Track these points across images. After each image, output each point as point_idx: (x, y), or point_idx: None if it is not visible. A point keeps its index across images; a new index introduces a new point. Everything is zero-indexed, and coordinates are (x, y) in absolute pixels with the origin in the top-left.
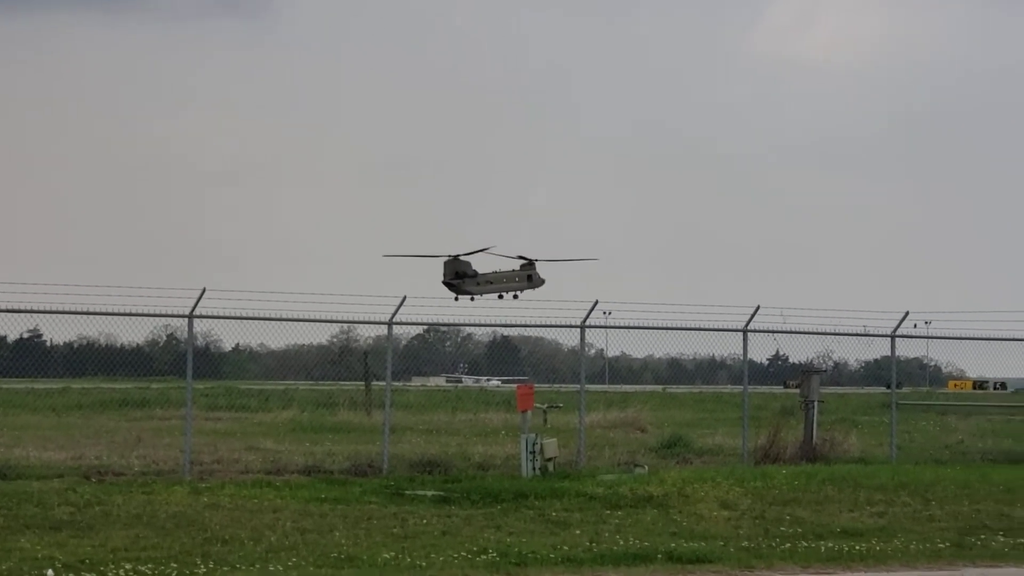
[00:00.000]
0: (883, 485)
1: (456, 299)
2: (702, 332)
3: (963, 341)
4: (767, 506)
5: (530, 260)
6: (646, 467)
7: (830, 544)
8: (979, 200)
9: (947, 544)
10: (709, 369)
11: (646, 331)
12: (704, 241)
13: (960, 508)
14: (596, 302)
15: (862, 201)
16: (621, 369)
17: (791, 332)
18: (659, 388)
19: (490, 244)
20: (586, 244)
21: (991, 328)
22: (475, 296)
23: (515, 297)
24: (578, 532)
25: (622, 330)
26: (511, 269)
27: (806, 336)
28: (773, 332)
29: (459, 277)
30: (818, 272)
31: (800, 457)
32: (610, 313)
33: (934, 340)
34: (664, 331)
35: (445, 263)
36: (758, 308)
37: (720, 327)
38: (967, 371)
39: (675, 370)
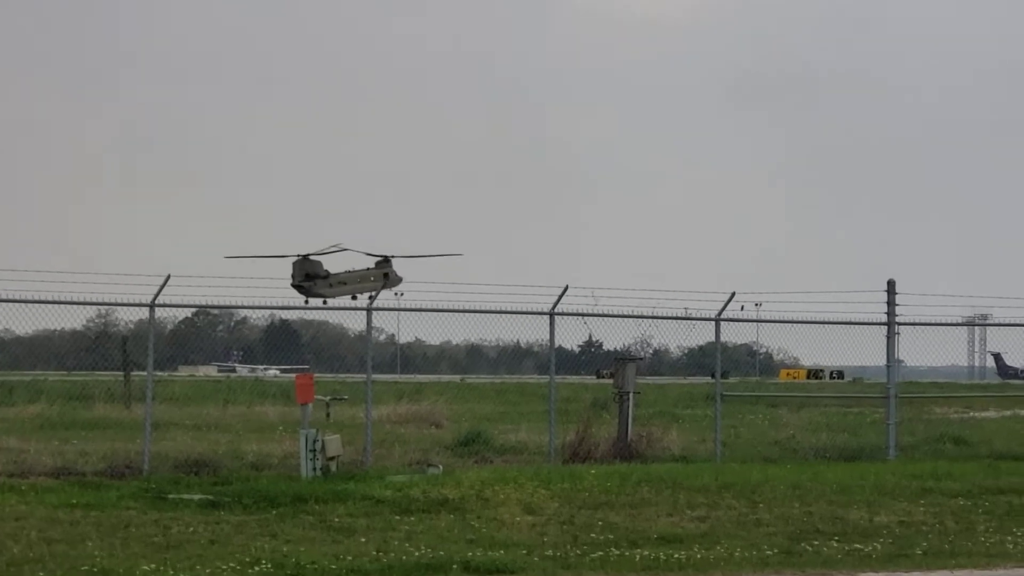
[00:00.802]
0: (706, 486)
1: (307, 302)
2: (505, 315)
3: (797, 325)
4: (576, 510)
5: (386, 257)
6: (441, 467)
7: (646, 552)
8: (819, 170)
9: (775, 551)
10: (513, 357)
11: (442, 314)
12: (512, 215)
13: (790, 511)
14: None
15: (690, 172)
16: (415, 357)
17: (604, 315)
18: (457, 378)
19: (338, 241)
20: (381, 215)
21: (828, 311)
22: (328, 299)
23: (371, 299)
24: (364, 540)
25: (415, 312)
26: (366, 268)
27: (622, 320)
28: (584, 315)
29: (310, 279)
30: (636, 250)
31: (614, 455)
32: (402, 294)
33: (764, 324)
34: (462, 314)
35: (294, 264)
36: (567, 288)
37: (525, 310)
38: (801, 359)
39: (475, 358)
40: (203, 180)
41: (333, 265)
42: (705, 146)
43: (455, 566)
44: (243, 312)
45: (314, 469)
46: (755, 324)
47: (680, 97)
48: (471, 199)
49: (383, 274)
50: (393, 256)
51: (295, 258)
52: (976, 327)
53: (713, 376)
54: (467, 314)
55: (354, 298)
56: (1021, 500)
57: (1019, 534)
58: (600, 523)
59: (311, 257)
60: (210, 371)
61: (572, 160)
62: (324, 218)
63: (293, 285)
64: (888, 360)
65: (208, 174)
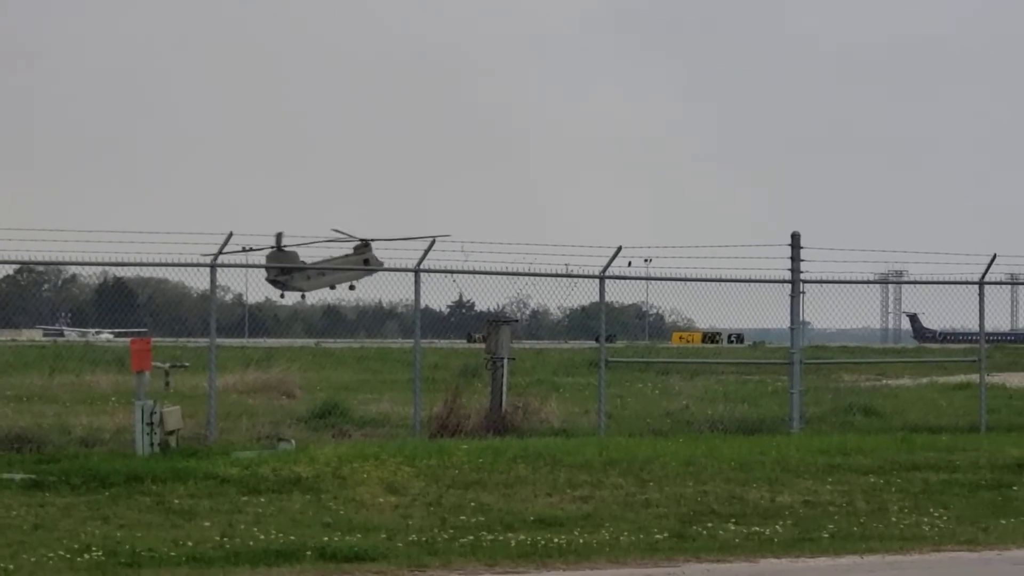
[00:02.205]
0: (589, 463)
1: (282, 296)
2: (374, 270)
3: (690, 283)
4: (444, 490)
5: (365, 241)
6: (293, 442)
7: (522, 536)
8: (718, 114)
9: (666, 535)
10: (375, 318)
11: (295, 271)
12: (367, 162)
13: (683, 490)
14: (230, 234)
15: (576, 115)
16: (265, 319)
17: (476, 272)
18: (312, 342)
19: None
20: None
21: (726, 268)
22: (307, 292)
23: (352, 288)
24: (207, 524)
25: (264, 269)
26: (344, 255)
27: (495, 277)
28: (452, 272)
29: (286, 272)
30: (512, 201)
31: (486, 429)
32: (250, 248)
33: (655, 282)
34: (318, 271)
35: (267, 257)
36: (434, 241)
37: (388, 266)
38: (696, 321)
39: (332, 320)
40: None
41: (305, 253)
42: (590, 85)
43: (309, 552)
44: (72, 269)
45: (151, 445)
46: (644, 282)
47: (568, 36)
48: (337, 149)
49: (363, 260)
50: (373, 239)
51: (268, 251)
52: (890, 285)
53: (597, 340)
54: (323, 271)
55: (332, 288)
56: (938, 477)
57: (935, 515)
58: (471, 504)
59: (285, 249)
60: (35, 335)
61: (459, 106)
62: None
63: (268, 280)
64: (792, 322)
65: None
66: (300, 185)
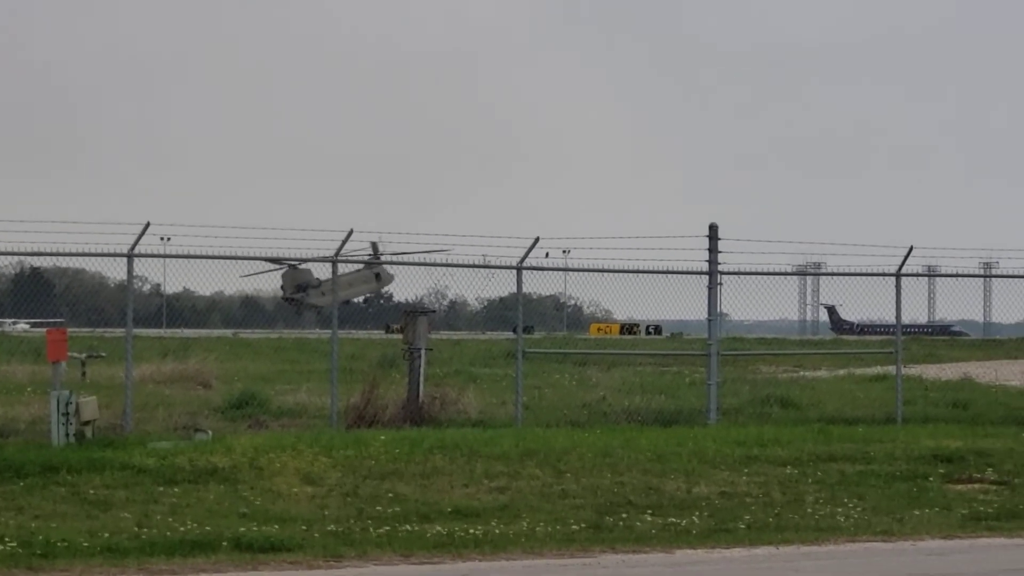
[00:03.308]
0: (506, 454)
1: (299, 313)
2: (284, 263)
3: (609, 275)
4: (361, 480)
5: (377, 256)
6: (210, 432)
7: (439, 527)
8: (636, 104)
9: (583, 525)
10: (293, 309)
11: (214, 261)
12: (295, 155)
13: (600, 481)
14: (147, 224)
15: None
16: (183, 309)
17: (394, 263)
18: (229, 333)
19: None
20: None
21: (644, 259)
22: (322, 308)
23: (365, 301)
24: (123, 514)
25: (184, 259)
26: (356, 270)
27: (413, 268)
28: (370, 262)
29: (301, 289)
30: (430, 191)
31: (403, 419)
32: (169, 239)
33: (573, 273)
34: (236, 260)
35: (283, 275)
36: (351, 232)
37: (308, 255)
38: (614, 312)
39: (251, 310)
40: None
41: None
42: (511, 75)
43: (225, 543)
44: None
45: (67, 435)
46: (562, 273)
47: (493, 25)
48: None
49: (375, 275)
50: (382, 254)
51: (283, 269)
52: (808, 277)
53: (515, 331)
54: (242, 261)
55: (347, 303)
56: (854, 468)
57: (851, 505)
58: (388, 495)
59: (300, 267)
60: None
61: (381, 96)
62: None
63: (284, 298)
64: (709, 313)
65: None
66: (218, 174)
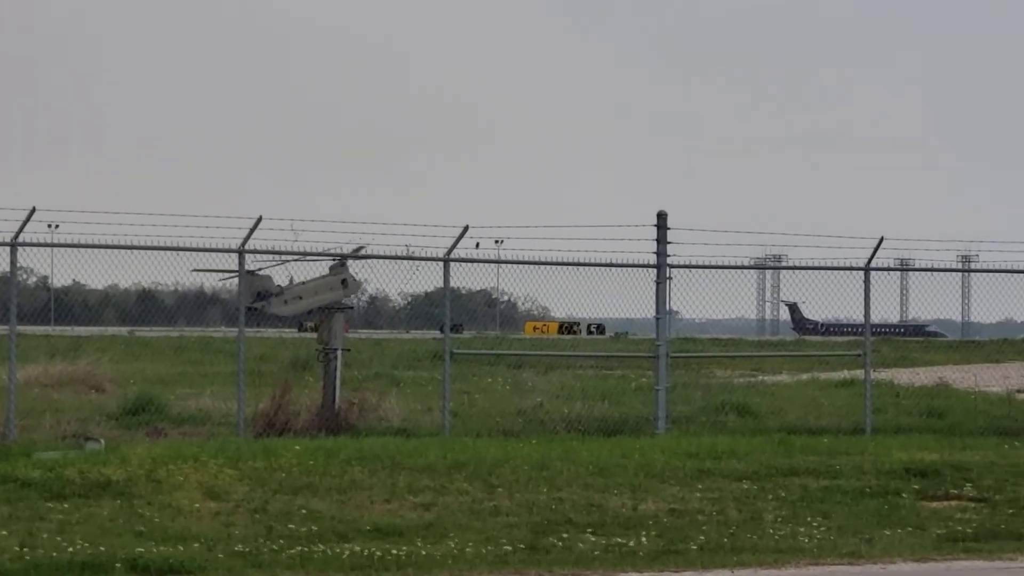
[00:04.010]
0: (432, 466)
1: (259, 324)
2: (185, 253)
3: (545, 267)
4: (271, 495)
5: (341, 260)
6: (103, 441)
7: (357, 547)
8: (575, 87)
9: (517, 546)
10: (196, 305)
11: (108, 251)
12: (195, 141)
13: (536, 497)
14: (33, 209)
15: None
16: (73, 304)
17: (306, 254)
18: (125, 331)
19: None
20: None
21: (585, 250)
22: (285, 317)
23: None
24: (4, 533)
25: (74, 249)
26: (320, 276)
27: (329, 260)
28: (280, 253)
29: (262, 298)
30: (347, 176)
31: (318, 427)
32: (57, 226)
33: (507, 266)
34: (132, 251)
35: (240, 282)
36: (260, 220)
37: (211, 247)
38: (552, 310)
39: (148, 306)
40: None
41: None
42: (437, 58)
43: (119, 564)
44: None
45: None
46: (495, 266)
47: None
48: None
49: (340, 281)
50: (349, 257)
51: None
52: (768, 271)
53: (441, 330)
54: (138, 251)
55: (309, 313)
56: (818, 484)
57: (815, 525)
58: (300, 511)
59: (258, 272)
60: None
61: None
62: None
63: (247, 307)
64: (658, 311)
65: None
66: (111, 161)
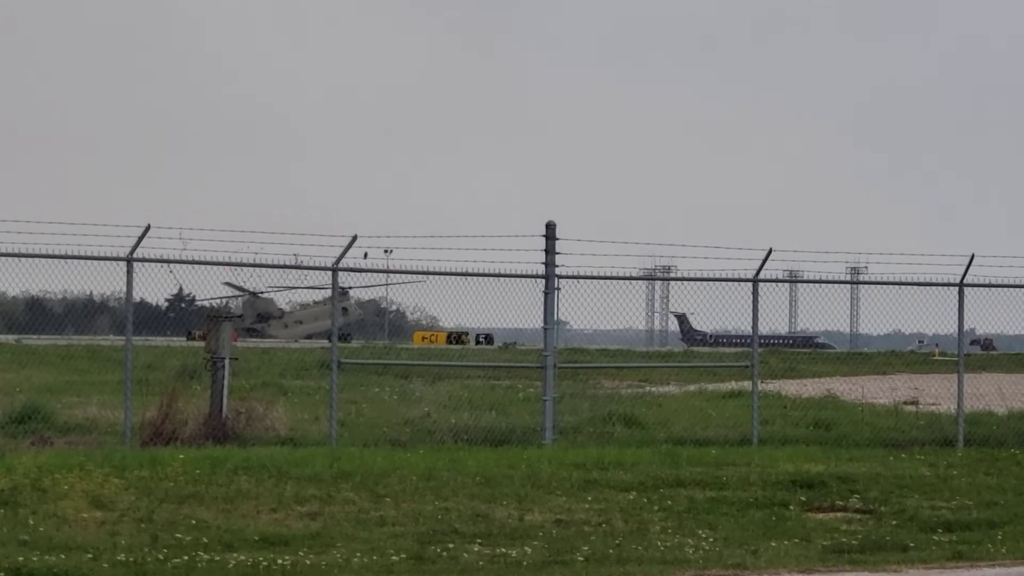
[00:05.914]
0: (319, 475)
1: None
2: (73, 261)
3: (434, 278)
4: (157, 504)
5: (344, 289)
6: None
7: (243, 556)
8: (460, 89)
9: (403, 556)
10: (84, 313)
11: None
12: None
13: (422, 507)
14: None
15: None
16: None
17: (196, 263)
18: (12, 339)
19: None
20: None
21: (473, 260)
22: (285, 340)
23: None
24: None
25: (244, 316)
26: (324, 301)
27: (219, 269)
28: (166, 262)
29: (263, 320)
30: (235, 184)
31: (205, 436)
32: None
33: (395, 276)
34: (19, 259)
35: (244, 304)
36: (148, 228)
37: (98, 255)
38: (441, 319)
39: (36, 314)
40: None
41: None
42: (319, 59)
43: (2, 573)
44: None
45: None
46: (383, 276)
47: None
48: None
49: (342, 308)
50: (350, 288)
51: (244, 297)
52: (657, 282)
53: (329, 339)
54: (25, 259)
55: (309, 337)
56: (705, 495)
57: (701, 536)
58: (187, 520)
59: (261, 295)
60: None
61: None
62: None
63: (245, 328)
64: (546, 321)
65: None
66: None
